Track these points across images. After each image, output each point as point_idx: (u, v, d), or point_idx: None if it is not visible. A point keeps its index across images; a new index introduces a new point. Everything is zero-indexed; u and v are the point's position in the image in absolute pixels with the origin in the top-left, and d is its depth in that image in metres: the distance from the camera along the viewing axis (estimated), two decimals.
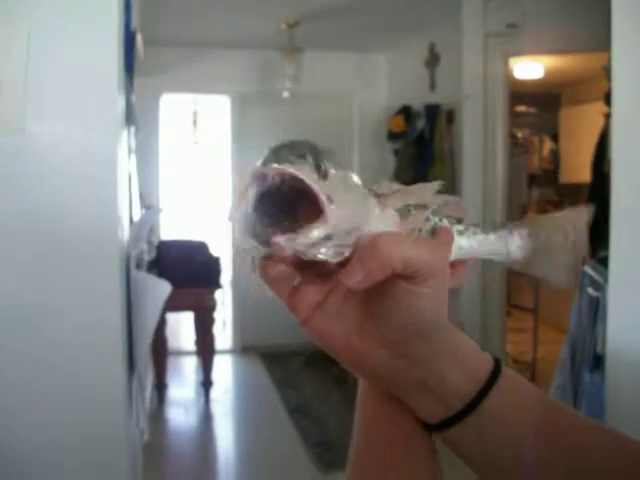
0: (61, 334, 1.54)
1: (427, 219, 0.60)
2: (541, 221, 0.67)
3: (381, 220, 0.54)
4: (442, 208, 0.62)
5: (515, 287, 6.56)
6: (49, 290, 1.44)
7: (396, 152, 6.08)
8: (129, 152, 1.96)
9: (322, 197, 0.48)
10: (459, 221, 0.63)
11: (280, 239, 0.48)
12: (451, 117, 5.41)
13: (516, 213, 5.78)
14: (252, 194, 0.50)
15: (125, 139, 1.75)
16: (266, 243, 0.49)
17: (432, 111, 5.50)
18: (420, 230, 0.59)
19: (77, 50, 1.49)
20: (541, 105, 7.17)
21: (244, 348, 6.33)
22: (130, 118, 1.89)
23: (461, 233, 0.63)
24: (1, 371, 1.52)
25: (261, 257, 0.53)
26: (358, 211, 0.52)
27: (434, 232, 0.60)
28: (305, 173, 0.49)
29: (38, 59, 1.45)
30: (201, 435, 4.64)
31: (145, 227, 1.99)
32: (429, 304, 0.53)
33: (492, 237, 0.65)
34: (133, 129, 2.09)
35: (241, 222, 0.50)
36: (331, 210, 0.48)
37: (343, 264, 0.56)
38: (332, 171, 0.52)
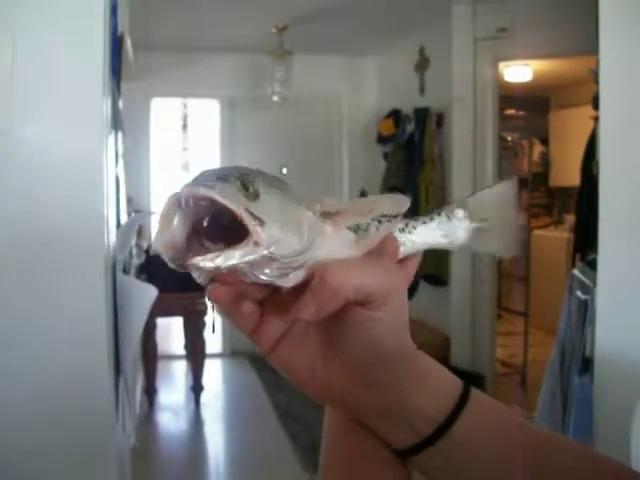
0: (46, 338, 1.54)
1: (365, 228, 0.59)
2: (473, 201, 0.67)
3: (334, 240, 0.53)
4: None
5: (506, 290, 6.59)
6: (34, 294, 1.43)
7: (386, 155, 6.09)
8: (117, 157, 1.95)
9: (243, 215, 0.47)
10: (396, 217, 0.62)
11: (195, 260, 0.47)
12: (441, 121, 5.43)
13: None
14: (176, 219, 0.49)
15: (112, 144, 1.74)
16: (182, 267, 0.48)
17: (422, 114, 5.52)
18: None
19: (62, 54, 1.49)
20: (531, 108, 7.19)
21: (234, 352, 6.32)
22: (117, 123, 1.88)
23: (402, 230, 0.62)
24: None
25: (206, 283, 0.52)
26: (301, 232, 0.50)
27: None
28: (225, 194, 0.47)
29: (23, 63, 1.45)
30: (191, 440, 4.63)
31: (132, 231, 1.99)
32: (386, 327, 0.53)
33: (433, 227, 0.65)
34: (120, 134, 2.08)
35: (163, 245, 0.49)
36: (260, 230, 0.47)
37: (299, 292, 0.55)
38: (268, 194, 0.49)
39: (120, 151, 2.10)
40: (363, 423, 0.57)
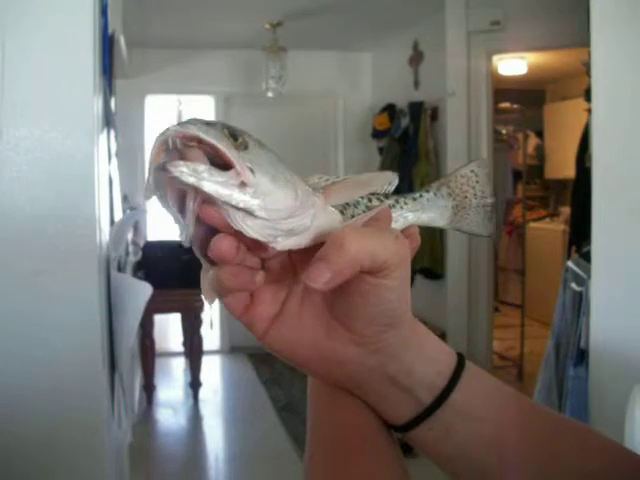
0: (40, 336, 1.54)
1: (355, 204, 0.59)
2: (453, 178, 0.69)
3: (322, 214, 0.53)
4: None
5: (502, 283, 6.60)
6: (27, 293, 1.44)
7: (381, 150, 6.09)
8: (109, 155, 1.96)
9: (232, 155, 0.45)
10: (386, 196, 0.63)
11: (175, 165, 0.44)
12: (435, 114, 5.43)
13: (502, 209, 5.81)
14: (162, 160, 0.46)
15: (104, 142, 1.75)
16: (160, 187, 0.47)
17: (416, 109, 5.52)
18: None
19: (52, 54, 1.49)
20: (525, 101, 7.17)
21: (232, 348, 6.33)
22: (109, 121, 1.89)
23: (393, 207, 0.63)
24: None
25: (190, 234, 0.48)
26: (293, 193, 0.49)
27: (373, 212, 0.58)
28: (213, 135, 0.45)
29: (13, 63, 1.45)
30: (190, 436, 4.64)
31: (126, 228, 1.99)
32: (396, 295, 0.52)
33: (422, 203, 0.66)
34: (113, 132, 2.09)
35: (151, 184, 0.47)
36: (249, 173, 0.45)
37: (293, 266, 0.55)
38: (258, 148, 0.48)
39: (113, 149, 2.11)
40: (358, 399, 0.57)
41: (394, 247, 0.51)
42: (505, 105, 5.99)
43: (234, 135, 0.47)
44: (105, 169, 1.78)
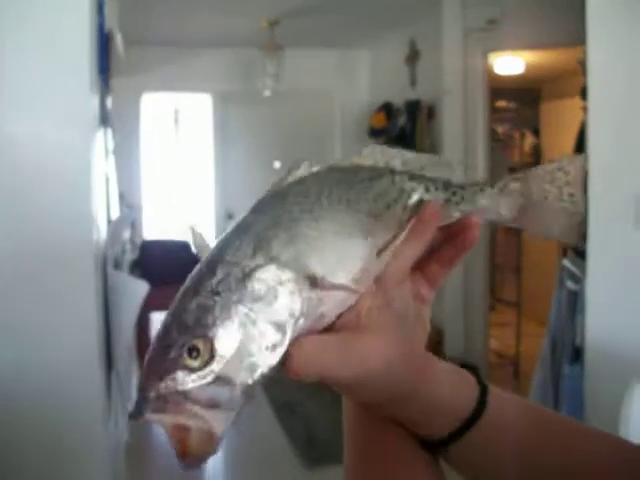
0: (37, 334, 1.54)
1: (411, 191, 0.56)
2: (533, 175, 0.61)
3: (332, 296, 0.49)
4: (424, 170, 0.58)
5: (499, 281, 6.60)
6: (22, 291, 1.44)
7: None
8: (106, 153, 1.96)
9: (186, 423, 0.44)
10: (445, 185, 0.58)
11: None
12: (432, 113, 5.43)
13: None
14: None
15: (100, 140, 1.75)
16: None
17: (413, 107, 5.52)
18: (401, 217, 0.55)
19: (49, 52, 1.49)
20: (522, 100, 7.19)
21: None
22: (106, 119, 1.89)
23: (447, 200, 0.58)
24: None
25: None
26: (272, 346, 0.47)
27: (417, 207, 0.56)
28: (162, 408, 0.45)
29: (11, 62, 1.45)
30: None
31: (123, 226, 1.99)
32: (367, 392, 0.52)
33: (482, 200, 0.60)
34: (110, 131, 2.09)
35: None
36: (209, 421, 0.44)
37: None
38: (226, 341, 0.45)
39: (110, 147, 2.11)
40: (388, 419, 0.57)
41: (350, 367, 0.49)
42: (501, 104, 5.99)
43: (194, 351, 0.45)
44: (102, 167, 1.78)
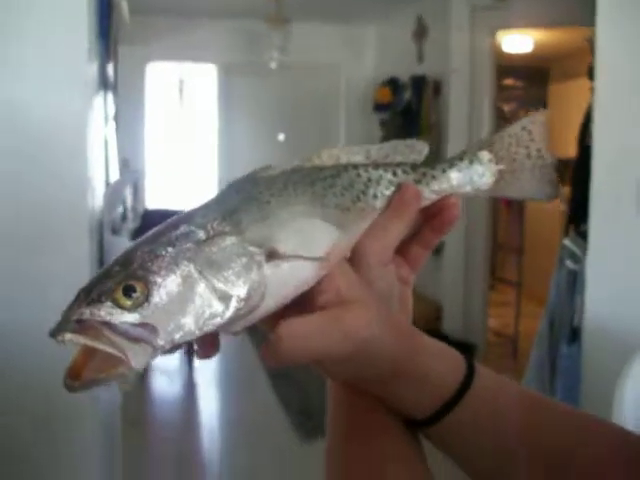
0: (30, 301, 1.54)
1: (378, 180, 0.56)
2: (498, 139, 0.61)
3: (281, 276, 0.49)
4: (389, 159, 0.58)
5: (500, 261, 6.60)
6: (16, 255, 1.43)
7: (383, 123, 6.07)
8: (106, 118, 1.94)
9: (110, 348, 0.44)
10: (413, 167, 0.58)
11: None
12: (438, 89, 5.40)
13: None
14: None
15: (99, 104, 1.73)
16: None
17: (419, 83, 5.49)
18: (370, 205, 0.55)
19: (48, 17, 1.48)
20: (530, 79, 7.15)
21: None
22: (106, 85, 1.87)
23: (418, 182, 0.58)
24: None
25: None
26: (209, 306, 0.46)
27: (396, 190, 0.56)
28: (90, 336, 0.44)
29: (6, 25, 1.44)
30: (185, 403, 4.67)
31: (121, 190, 1.98)
32: (357, 370, 0.52)
33: (453, 175, 0.59)
34: (111, 96, 2.07)
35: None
36: (130, 356, 0.44)
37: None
38: (160, 287, 0.45)
39: (110, 113, 2.10)
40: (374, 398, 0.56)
41: (336, 342, 0.49)
42: (509, 82, 5.95)
43: (130, 290, 0.45)
44: (100, 131, 1.77)
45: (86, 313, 0.44)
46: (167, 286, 0.45)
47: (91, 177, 1.49)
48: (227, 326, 0.48)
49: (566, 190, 6.41)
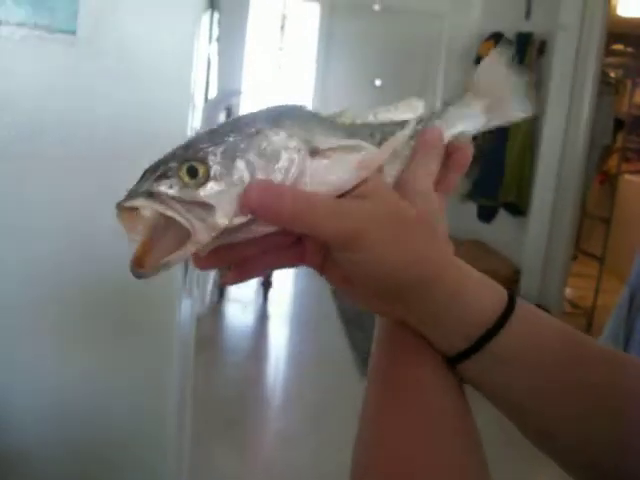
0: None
1: (377, 133, 0.58)
2: (475, 81, 0.66)
3: (320, 174, 0.52)
4: (392, 113, 0.61)
5: (586, 230, 6.44)
6: (117, 173, 1.44)
7: None
8: (210, 38, 1.97)
9: (180, 217, 0.47)
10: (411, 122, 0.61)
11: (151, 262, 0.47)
12: (542, 48, 5.26)
13: (596, 155, 5.61)
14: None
15: (206, 23, 1.76)
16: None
17: (524, 40, 5.35)
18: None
19: None
20: None
21: None
22: (214, 3, 1.89)
23: (412, 138, 0.60)
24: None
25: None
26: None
27: (413, 137, 0.59)
28: (155, 199, 0.47)
29: None
30: (255, 332, 4.79)
31: (218, 107, 2.01)
32: (374, 267, 0.51)
33: (449, 114, 0.64)
34: (217, 15, 2.09)
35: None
36: (200, 227, 0.47)
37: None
38: (222, 173, 0.49)
39: (214, 34, 2.12)
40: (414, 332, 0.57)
41: (338, 223, 0.49)
42: (618, 47, 5.72)
43: (194, 170, 0.48)
44: (204, 50, 1.80)
45: (154, 187, 0.48)
46: (227, 171, 0.49)
47: (194, 94, 1.52)
48: None
49: None
